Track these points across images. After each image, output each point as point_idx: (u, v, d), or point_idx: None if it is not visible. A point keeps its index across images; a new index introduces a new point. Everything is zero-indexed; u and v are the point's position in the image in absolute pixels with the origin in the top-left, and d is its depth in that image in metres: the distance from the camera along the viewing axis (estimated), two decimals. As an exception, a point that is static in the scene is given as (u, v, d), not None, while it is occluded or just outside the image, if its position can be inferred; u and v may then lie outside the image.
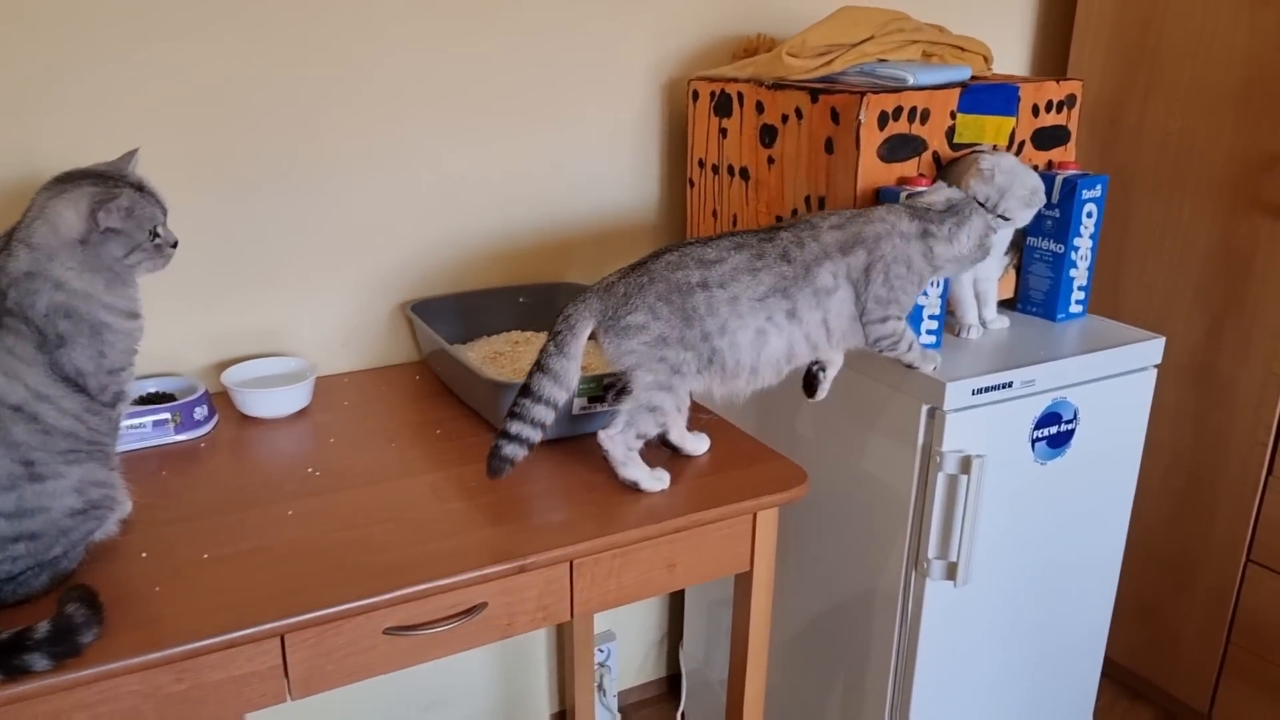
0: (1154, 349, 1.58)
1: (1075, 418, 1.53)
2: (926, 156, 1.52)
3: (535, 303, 1.76)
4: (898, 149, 1.48)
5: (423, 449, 1.43)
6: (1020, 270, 1.69)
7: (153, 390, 1.50)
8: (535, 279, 1.82)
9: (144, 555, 1.15)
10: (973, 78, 1.63)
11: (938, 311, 1.50)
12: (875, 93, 1.44)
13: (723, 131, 1.70)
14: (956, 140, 1.54)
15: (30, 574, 1.05)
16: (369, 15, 1.56)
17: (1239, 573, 1.96)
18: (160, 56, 1.44)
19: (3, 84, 1.38)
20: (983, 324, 1.61)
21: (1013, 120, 1.60)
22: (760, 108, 1.61)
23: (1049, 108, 1.63)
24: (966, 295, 1.58)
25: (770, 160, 1.61)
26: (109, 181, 1.11)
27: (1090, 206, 1.61)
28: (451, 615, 1.19)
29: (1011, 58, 2.19)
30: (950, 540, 1.45)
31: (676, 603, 2.18)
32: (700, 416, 1.51)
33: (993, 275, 1.60)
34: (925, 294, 1.47)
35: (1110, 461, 1.62)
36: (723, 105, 1.68)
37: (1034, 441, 1.50)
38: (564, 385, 1.25)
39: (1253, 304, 1.86)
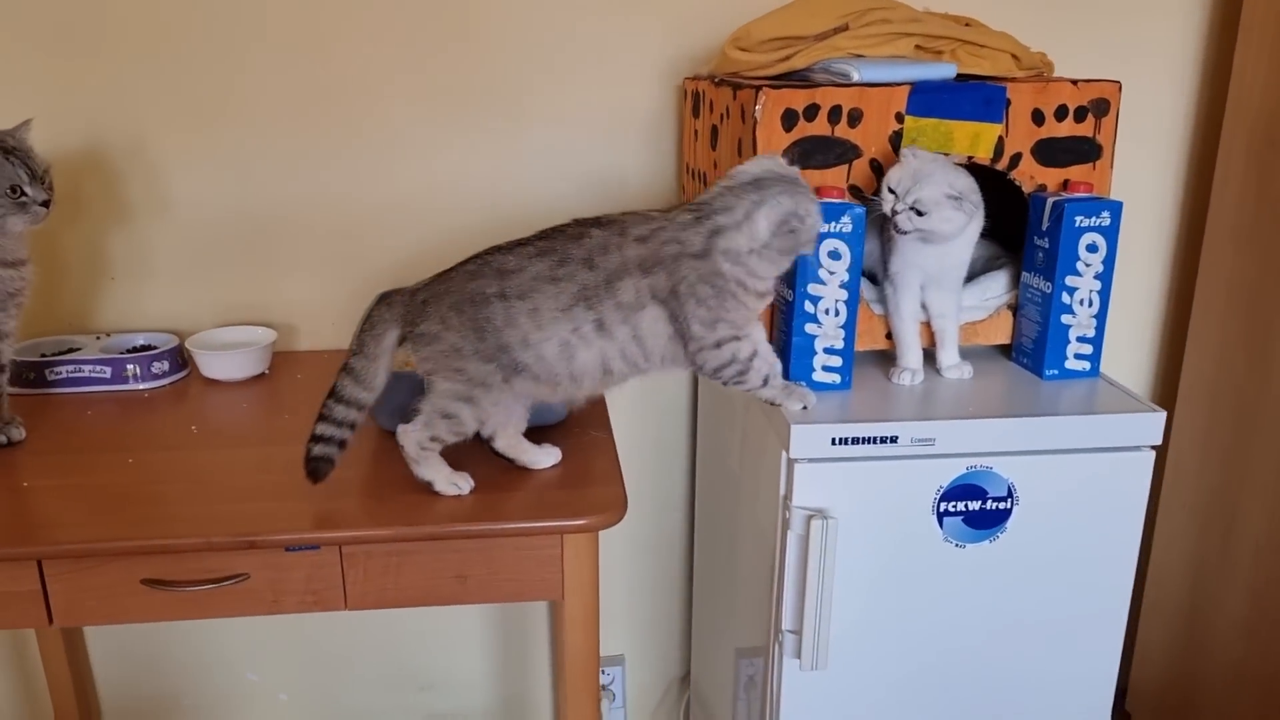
0: (1149, 424, 1.22)
1: (1010, 495, 1.23)
2: (861, 164, 1.30)
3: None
4: (813, 154, 1.28)
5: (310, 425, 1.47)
6: (1015, 311, 1.39)
7: (141, 343, 1.68)
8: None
9: (-13, 475, 1.32)
10: (989, 79, 1.36)
11: (839, 345, 1.27)
12: (778, 88, 1.26)
13: (695, 133, 1.57)
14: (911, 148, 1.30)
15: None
16: (375, 11, 1.63)
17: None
18: (174, 51, 1.62)
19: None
20: (938, 370, 1.34)
21: (998, 127, 1.32)
22: (711, 106, 1.47)
23: (1060, 114, 1.32)
24: (906, 331, 1.32)
25: (715, 164, 1.46)
26: (-22, 144, 1.28)
27: (1093, 238, 1.28)
28: (210, 579, 1.22)
29: (1170, 66, 1.79)
30: (805, 613, 1.22)
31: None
32: (591, 434, 1.42)
33: (948, 311, 1.32)
34: (819, 321, 1.26)
35: (1086, 563, 1.28)
36: (695, 105, 1.56)
37: (941, 515, 1.23)
38: (367, 386, 1.23)
39: None
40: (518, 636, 2.03)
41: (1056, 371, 1.34)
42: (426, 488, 1.25)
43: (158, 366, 1.62)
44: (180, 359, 1.66)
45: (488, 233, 1.39)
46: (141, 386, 1.61)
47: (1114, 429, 1.22)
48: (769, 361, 1.22)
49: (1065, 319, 1.31)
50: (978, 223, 1.28)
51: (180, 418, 1.51)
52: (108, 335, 1.70)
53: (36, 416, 1.48)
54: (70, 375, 1.59)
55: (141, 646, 1.94)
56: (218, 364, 1.62)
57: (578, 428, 1.44)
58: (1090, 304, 1.31)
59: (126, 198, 1.68)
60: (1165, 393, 1.96)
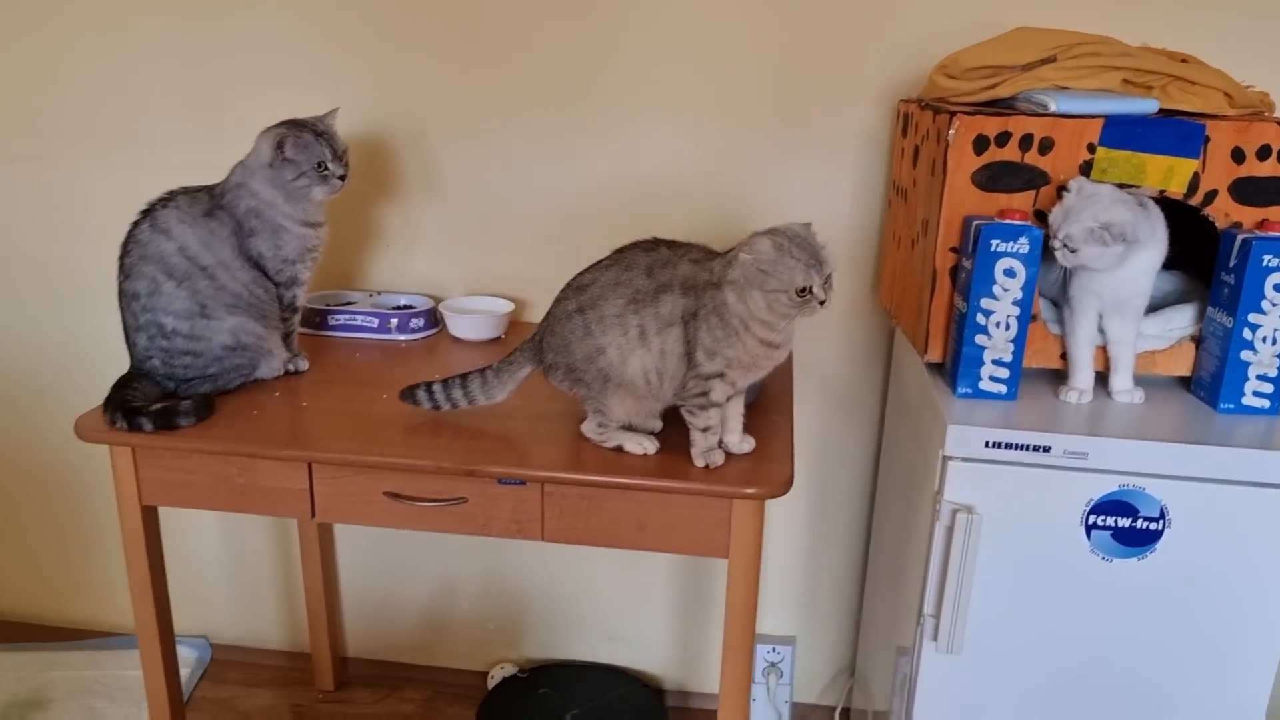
0: (1312, 465, 1.23)
1: (1163, 517, 1.27)
2: (1048, 191, 1.37)
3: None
4: (1001, 178, 1.37)
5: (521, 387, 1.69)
6: (1198, 344, 1.41)
7: (403, 303, 1.97)
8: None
9: (277, 394, 1.62)
10: (1197, 116, 1.40)
11: (1007, 358, 1.35)
12: (973, 114, 1.36)
13: (902, 152, 1.67)
14: (1102, 179, 1.36)
15: (196, 381, 1.56)
16: (616, 25, 1.85)
17: None
18: (452, 57, 1.90)
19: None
20: (1109, 394, 1.39)
21: (1193, 163, 1.35)
22: (916, 128, 1.57)
23: (1263, 154, 1.34)
24: (1080, 353, 1.38)
25: (915, 182, 1.56)
26: (297, 126, 1.57)
27: (1281, 278, 1.29)
28: (436, 498, 1.46)
29: None
30: (944, 599, 1.32)
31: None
32: (773, 418, 1.56)
33: (1124, 338, 1.37)
34: (989, 333, 1.34)
35: (1240, 596, 1.29)
36: (905, 126, 1.66)
37: (1090, 528, 1.28)
38: (486, 395, 1.50)
39: None
40: (697, 605, 2.20)
41: (1232, 406, 1.35)
42: (617, 451, 1.45)
43: (415, 323, 1.90)
44: (433, 318, 1.94)
45: (699, 233, 1.58)
46: (400, 338, 1.90)
47: (1271, 465, 1.24)
48: (719, 424, 1.39)
49: (1245, 355, 1.33)
50: (1153, 253, 1.32)
51: (429, 367, 1.77)
52: (377, 294, 2.01)
53: (316, 353, 1.79)
54: (345, 323, 1.90)
55: (378, 559, 2.26)
56: (464, 325, 1.89)
57: (763, 412, 1.59)
58: (1273, 342, 1.32)
59: (404, 179, 1.98)
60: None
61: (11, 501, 2.36)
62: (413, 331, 1.90)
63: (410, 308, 1.94)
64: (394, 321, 1.89)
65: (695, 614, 2.21)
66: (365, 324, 1.89)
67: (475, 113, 1.92)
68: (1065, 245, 1.29)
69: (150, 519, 1.57)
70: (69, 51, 1.99)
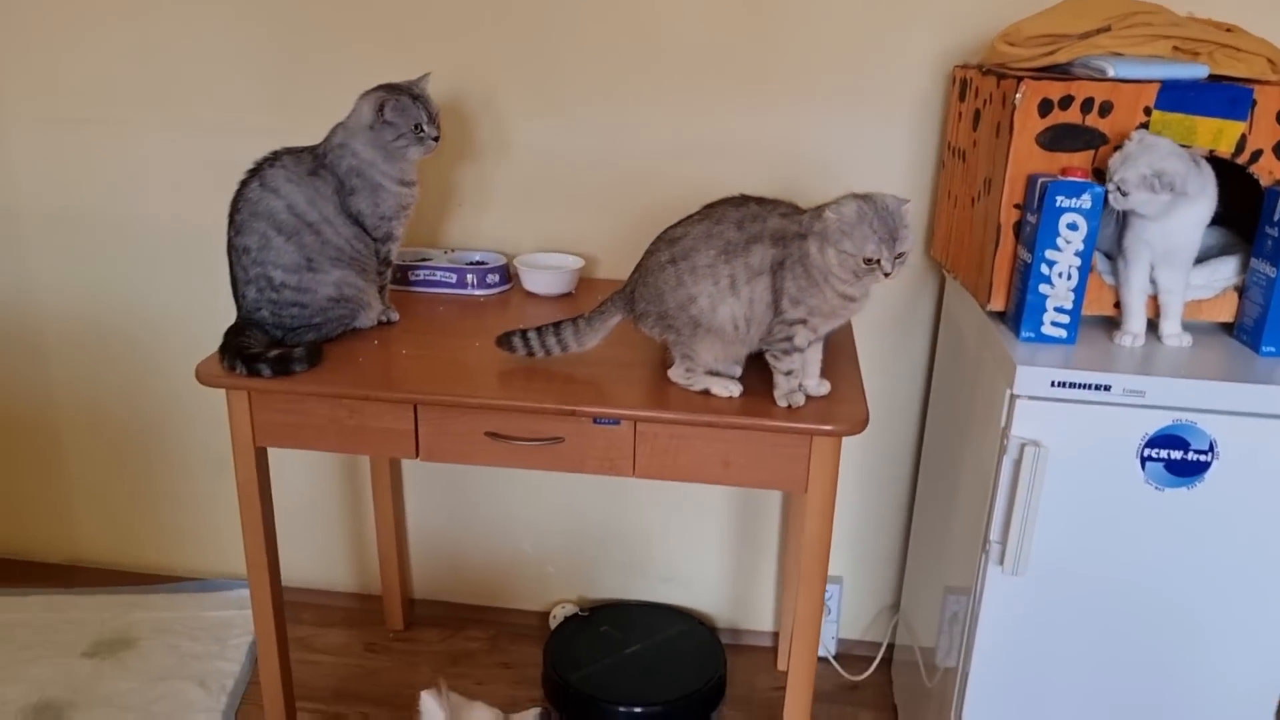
0: (1355, 402, 1.35)
1: (1211, 450, 1.39)
2: (1106, 151, 1.48)
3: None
4: (1063, 139, 1.48)
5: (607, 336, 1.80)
6: (1241, 293, 1.53)
7: (478, 259, 2.08)
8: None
9: (375, 342, 1.73)
10: (1241, 80, 1.50)
11: (1068, 305, 1.47)
12: (1038, 79, 1.46)
13: (959, 115, 1.78)
14: (1156, 139, 1.47)
15: (302, 330, 1.67)
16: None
17: None
18: (526, 28, 2.00)
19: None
20: (1159, 338, 1.51)
21: (1241, 125, 1.46)
22: (976, 93, 1.67)
23: (1306, 117, 1.45)
24: (1133, 301, 1.50)
25: (974, 144, 1.67)
26: (396, 90, 1.67)
27: (1322, 231, 1.41)
28: (534, 438, 1.58)
29: None
30: (1011, 526, 1.44)
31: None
32: (840, 366, 1.68)
33: (1174, 287, 1.48)
34: (1051, 283, 1.46)
35: (1277, 516, 1.42)
36: (962, 90, 1.76)
37: (1145, 460, 1.41)
38: (578, 342, 1.62)
39: None
40: (750, 548, 2.32)
41: (1274, 349, 1.47)
42: (704, 394, 1.56)
43: (490, 278, 2.01)
44: (507, 274, 2.05)
45: (757, 190, 1.70)
46: (477, 292, 2.00)
47: (1318, 402, 1.36)
48: (800, 368, 1.50)
49: (1287, 302, 1.45)
50: (1202, 208, 1.43)
51: (505, 319, 1.88)
52: (453, 251, 2.11)
53: (402, 306, 1.89)
54: (425, 279, 2.01)
55: (444, 506, 2.38)
56: (536, 280, 2.00)
57: (831, 359, 1.70)
58: (1314, 290, 1.44)
59: (477, 141, 2.08)
60: None
61: (89, 456, 2.47)
62: (488, 286, 2.01)
63: (484, 264, 2.05)
64: (471, 277, 2.00)
65: (747, 556, 2.34)
66: (444, 279, 2.00)
67: (545, 79, 2.02)
68: (1119, 189, 1.40)
69: (262, 460, 1.69)
70: (142, 15, 2.08)
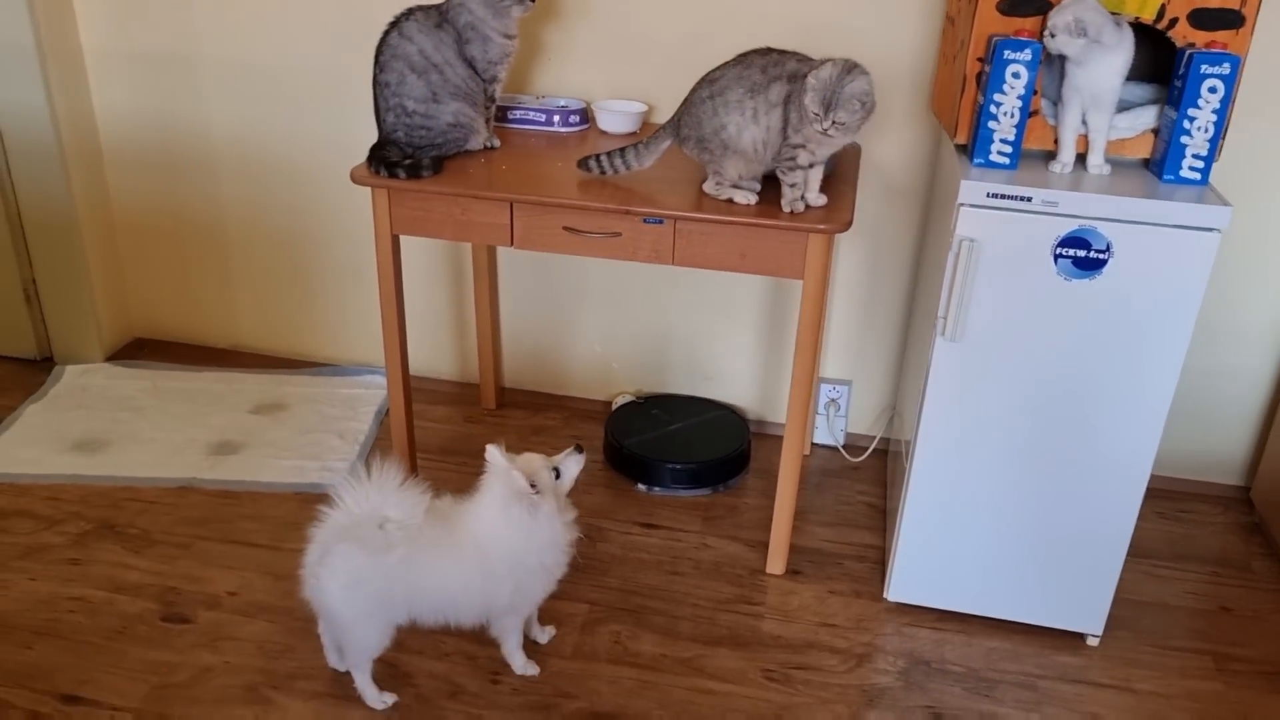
0: (1216, 215, 1.77)
1: (1108, 250, 1.83)
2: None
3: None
4: (1019, 5, 1.89)
5: (660, 159, 2.27)
6: (1156, 134, 1.93)
7: (562, 104, 2.56)
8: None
9: (482, 160, 2.24)
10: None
11: (1010, 137, 1.90)
12: (999, -44, 1.87)
13: (954, -13, 2.18)
14: (1092, 7, 1.87)
15: (427, 149, 2.19)
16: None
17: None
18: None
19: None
20: (1085, 168, 1.93)
21: (1160, -3, 1.85)
22: (963, -33, 2.07)
23: (1215, -10, 1.83)
24: (1067, 138, 1.92)
25: (959, 12, 2.08)
26: (505, -39, 2.15)
27: (1213, 82, 1.81)
28: (599, 232, 2.09)
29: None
30: (951, 303, 1.91)
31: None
32: (839, 186, 2.14)
33: (1100, 126, 1.90)
34: (998, 120, 1.88)
35: (1155, 306, 1.85)
36: (957, -34, 2.16)
37: (1056, 256, 1.85)
38: (639, 161, 2.09)
39: None
40: (775, 353, 2.82)
41: (1172, 177, 1.89)
42: (729, 202, 2.04)
43: (573, 119, 2.50)
44: (585, 116, 2.53)
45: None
46: (561, 130, 2.50)
47: (1188, 213, 1.78)
48: (803, 182, 1.96)
49: (1184, 140, 1.85)
50: (1119, 58, 1.82)
51: (584, 149, 2.37)
52: (542, 97, 2.60)
53: (501, 139, 2.40)
54: (520, 118, 2.51)
55: (532, 309, 2.93)
56: (609, 120, 2.48)
57: (835, 181, 2.16)
58: (1206, 130, 1.84)
59: (565, 4, 2.54)
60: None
61: (251, 263, 3.07)
62: (570, 125, 2.50)
63: (566, 107, 2.53)
64: (557, 117, 2.49)
65: (774, 361, 2.84)
66: (535, 118, 2.50)
67: (621, -47, 2.47)
68: (1050, 32, 1.81)
69: (396, 246, 2.23)
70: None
